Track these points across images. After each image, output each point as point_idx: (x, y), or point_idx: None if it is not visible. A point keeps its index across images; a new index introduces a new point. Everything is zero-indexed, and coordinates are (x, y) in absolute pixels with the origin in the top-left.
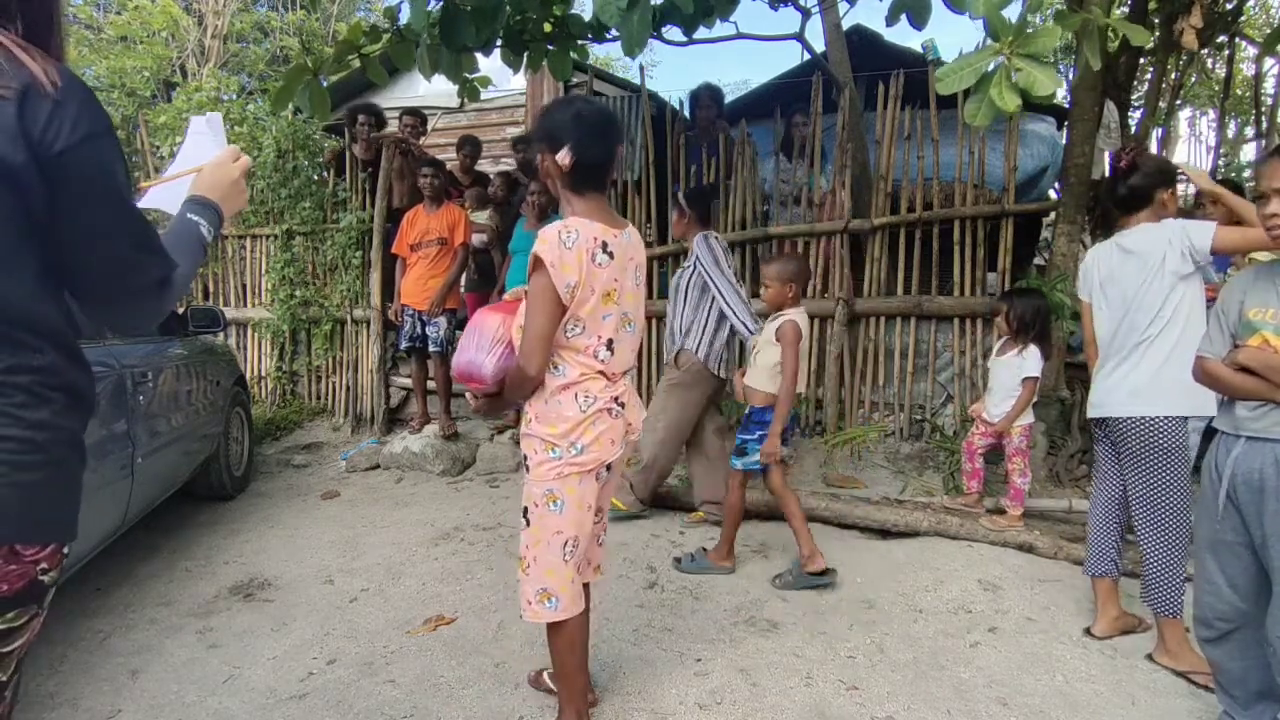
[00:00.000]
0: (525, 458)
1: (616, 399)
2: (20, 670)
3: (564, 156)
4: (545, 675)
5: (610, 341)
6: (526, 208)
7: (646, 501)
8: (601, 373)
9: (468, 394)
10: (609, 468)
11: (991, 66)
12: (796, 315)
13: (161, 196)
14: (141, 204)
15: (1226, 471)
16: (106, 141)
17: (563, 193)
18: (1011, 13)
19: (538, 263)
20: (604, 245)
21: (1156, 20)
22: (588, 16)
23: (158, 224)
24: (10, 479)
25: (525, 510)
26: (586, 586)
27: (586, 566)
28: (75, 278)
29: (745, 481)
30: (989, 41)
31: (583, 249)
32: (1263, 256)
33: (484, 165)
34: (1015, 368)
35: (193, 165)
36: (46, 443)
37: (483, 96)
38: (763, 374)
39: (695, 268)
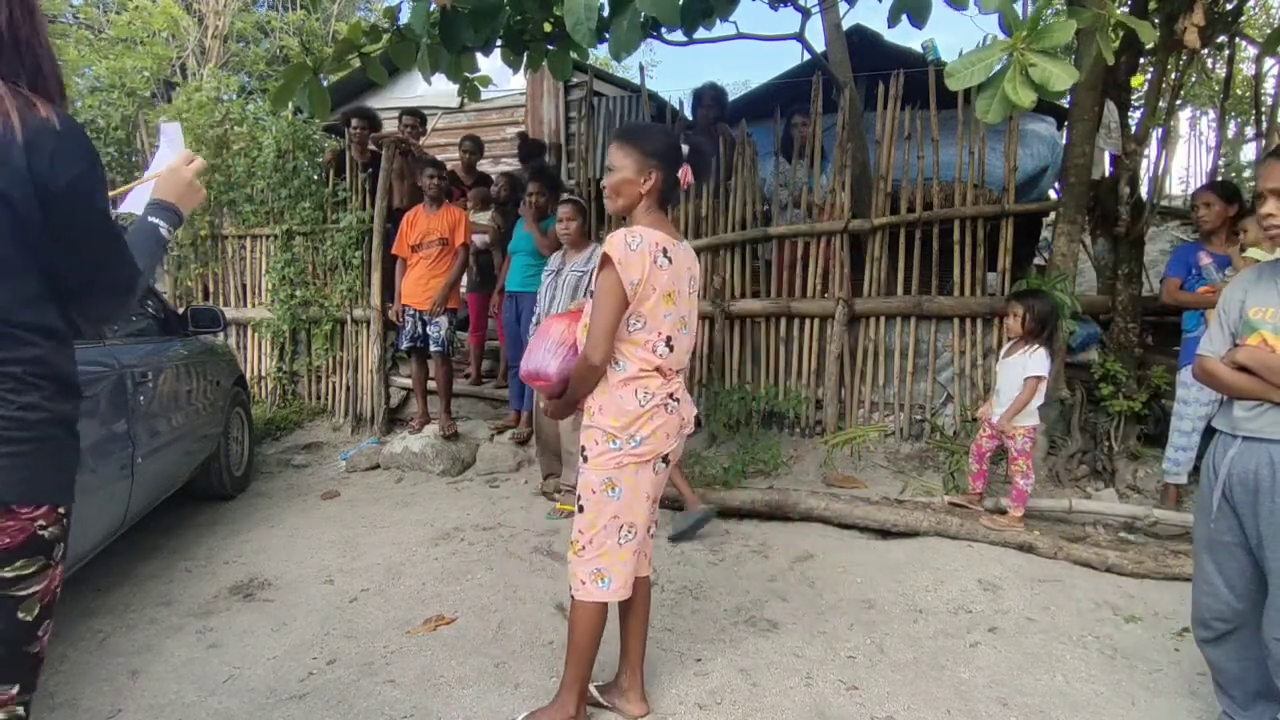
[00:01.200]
0: (584, 448)
1: (672, 395)
2: (50, 615)
3: (686, 174)
4: (591, 688)
5: (669, 339)
6: (524, 208)
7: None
8: (659, 369)
9: (540, 401)
10: (665, 460)
11: (1003, 62)
12: None
13: (132, 201)
14: (120, 209)
15: (1223, 471)
16: (95, 173)
17: (641, 206)
18: (1017, 10)
19: (606, 260)
20: (664, 250)
21: (1157, 20)
22: None
23: (126, 226)
24: (9, 451)
25: (579, 497)
26: (647, 579)
27: (644, 560)
28: (63, 281)
29: None
30: (993, 38)
31: (646, 251)
32: (1261, 255)
33: (484, 165)
34: (1021, 368)
35: (153, 172)
36: (36, 422)
37: (483, 96)
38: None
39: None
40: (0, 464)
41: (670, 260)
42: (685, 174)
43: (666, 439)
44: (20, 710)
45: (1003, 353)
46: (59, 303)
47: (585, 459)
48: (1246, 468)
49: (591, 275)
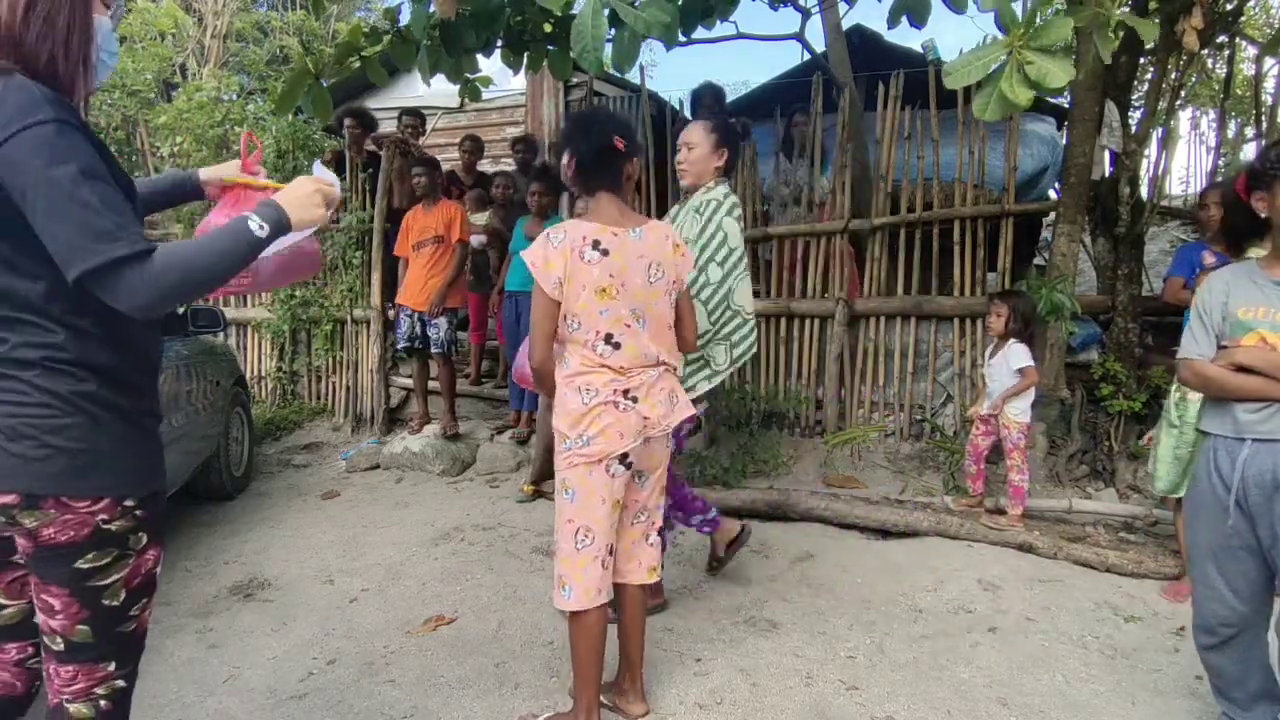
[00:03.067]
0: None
1: (625, 393)
2: (146, 594)
3: (566, 162)
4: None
5: (609, 336)
6: (532, 205)
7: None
8: (605, 366)
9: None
10: (625, 463)
11: (1001, 60)
12: None
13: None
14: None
15: (1236, 475)
16: (38, 132)
17: (581, 197)
18: (1016, 8)
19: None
20: (595, 243)
21: (1157, 20)
22: None
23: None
24: (43, 441)
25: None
26: (642, 588)
27: (637, 568)
28: (57, 262)
29: None
30: (993, 37)
31: (569, 247)
32: (1261, 253)
33: (484, 165)
34: (1006, 364)
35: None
36: (68, 411)
37: (483, 96)
38: None
39: None
40: (34, 455)
41: (605, 253)
42: (567, 162)
43: (619, 439)
44: (121, 683)
45: (988, 354)
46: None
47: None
48: (1262, 469)
49: None
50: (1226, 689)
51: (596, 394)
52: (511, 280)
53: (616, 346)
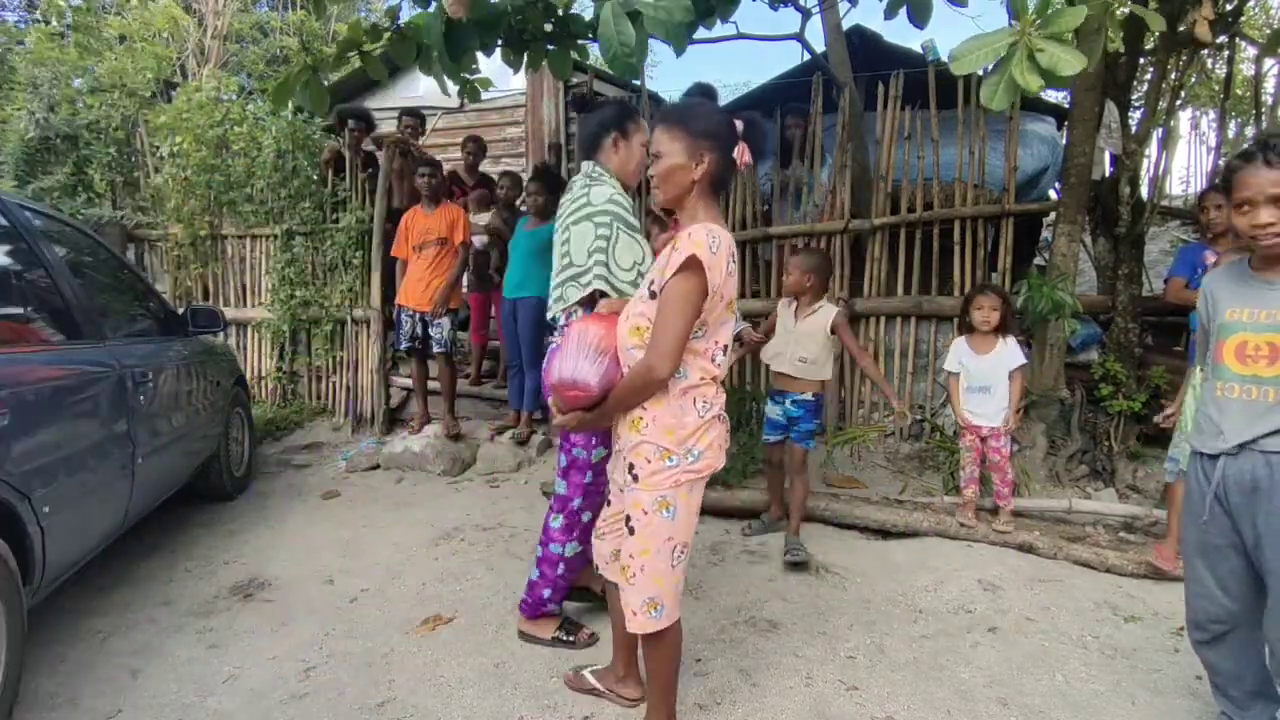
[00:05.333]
0: (631, 465)
1: (722, 406)
2: None
3: (743, 154)
4: (587, 673)
5: (726, 347)
6: (530, 206)
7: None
8: (714, 379)
9: (554, 415)
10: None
11: (1008, 47)
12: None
13: None
14: None
15: (1216, 474)
16: None
17: (694, 195)
18: None
19: (692, 262)
20: (733, 255)
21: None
22: (588, 16)
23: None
24: None
25: (629, 518)
26: None
27: None
28: None
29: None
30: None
31: (724, 254)
32: None
33: (484, 165)
34: (1004, 360)
35: None
36: None
37: (483, 97)
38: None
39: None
40: None
41: (735, 266)
42: (742, 153)
43: (720, 452)
44: None
45: (972, 353)
46: None
47: (635, 477)
48: (1241, 470)
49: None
50: (1224, 686)
51: (710, 407)
52: (511, 279)
53: (725, 356)
